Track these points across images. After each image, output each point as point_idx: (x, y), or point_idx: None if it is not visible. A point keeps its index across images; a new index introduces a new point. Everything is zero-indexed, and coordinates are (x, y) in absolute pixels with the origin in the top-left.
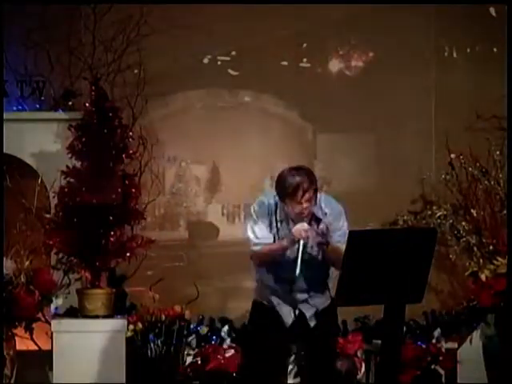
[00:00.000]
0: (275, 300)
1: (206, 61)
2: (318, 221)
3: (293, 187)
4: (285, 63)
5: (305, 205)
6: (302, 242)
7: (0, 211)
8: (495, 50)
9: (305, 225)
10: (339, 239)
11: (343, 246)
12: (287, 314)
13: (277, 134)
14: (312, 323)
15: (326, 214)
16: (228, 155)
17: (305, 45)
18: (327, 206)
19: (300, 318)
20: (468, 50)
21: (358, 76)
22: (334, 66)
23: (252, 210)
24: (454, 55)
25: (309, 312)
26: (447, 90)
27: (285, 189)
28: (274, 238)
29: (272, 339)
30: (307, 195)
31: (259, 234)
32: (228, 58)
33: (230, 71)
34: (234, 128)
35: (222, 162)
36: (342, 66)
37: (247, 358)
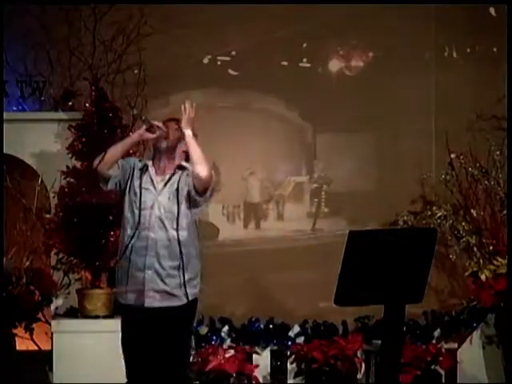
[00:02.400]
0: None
1: (205, 61)
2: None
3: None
4: (285, 63)
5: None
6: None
7: (0, 211)
8: (495, 49)
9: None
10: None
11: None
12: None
13: (277, 133)
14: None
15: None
16: (228, 155)
17: (305, 45)
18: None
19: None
20: (468, 50)
21: (358, 76)
22: (334, 65)
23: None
24: (454, 55)
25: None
26: (447, 90)
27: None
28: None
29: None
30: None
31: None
32: (228, 58)
33: (230, 71)
34: (234, 128)
35: (222, 162)
36: (342, 65)
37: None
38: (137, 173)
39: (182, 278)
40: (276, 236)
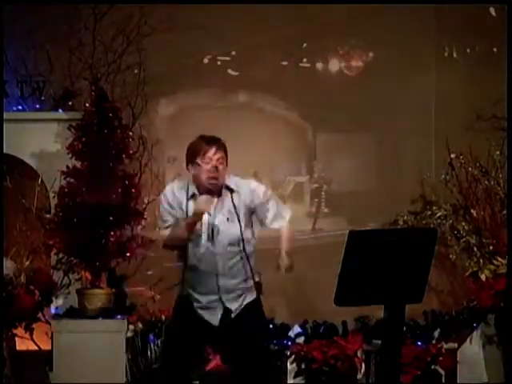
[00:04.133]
0: (197, 296)
1: (205, 61)
2: (231, 191)
3: (205, 145)
4: (285, 63)
5: (217, 165)
6: (206, 216)
7: (0, 211)
8: (495, 49)
9: (207, 196)
10: (273, 223)
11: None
12: (212, 314)
13: (277, 134)
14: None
15: (238, 186)
16: (228, 155)
17: (305, 45)
18: (238, 181)
19: (225, 314)
20: (468, 50)
21: (358, 76)
22: (334, 65)
23: (162, 193)
24: (454, 55)
25: (234, 306)
26: (447, 90)
27: (196, 148)
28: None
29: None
30: (219, 154)
31: (164, 216)
32: (228, 58)
33: (230, 71)
34: (234, 128)
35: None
36: (342, 65)
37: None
38: (185, 206)
39: None
40: (276, 236)
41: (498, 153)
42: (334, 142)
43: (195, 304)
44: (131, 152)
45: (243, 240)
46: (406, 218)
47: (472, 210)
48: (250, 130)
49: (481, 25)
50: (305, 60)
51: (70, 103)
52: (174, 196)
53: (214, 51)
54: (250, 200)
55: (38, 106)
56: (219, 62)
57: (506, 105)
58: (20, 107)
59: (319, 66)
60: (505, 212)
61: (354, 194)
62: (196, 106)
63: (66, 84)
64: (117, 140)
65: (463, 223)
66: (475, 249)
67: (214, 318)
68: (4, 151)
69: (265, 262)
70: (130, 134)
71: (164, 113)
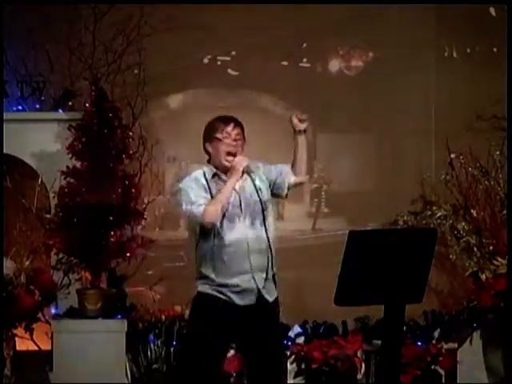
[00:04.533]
0: (227, 280)
1: (205, 61)
2: (248, 173)
3: (223, 121)
4: (285, 63)
5: (236, 140)
6: (245, 176)
7: (0, 211)
8: (495, 50)
9: (242, 157)
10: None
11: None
12: (247, 295)
13: (277, 133)
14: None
15: (257, 166)
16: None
17: (305, 45)
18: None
19: (260, 301)
20: (468, 50)
21: (358, 76)
22: (334, 65)
23: (180, 185)
24: (454, 55)
25: (270, 297)
26: (447, 90)
27: (214, 125)
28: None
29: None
30: (237, 130)
31: (194, 198)
32: (228, 58)
33: (230, 71)
34: None
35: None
36: (342, 65)
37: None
38: (208, 188)
39: None
40: (276, 236)
41: (497, 153)
42: (334, 142)
43: (223, 290)
44: (131, 152)
45: (265, 220)
46: (406, 218)
47: (472, 210)
48: (249, 129)
49: (481, 25)
50: (305, 60)
51: (70, 103)
52: (196, 181)
53: (214, 51)
54: (265, 177)
55: (38, 106)
56: (219, 62)
57: (506, 105)
58: (20, 107)
59: (319, 66)
60: (505, 212)
61: (354, 193)
62: (196, 106)
63: (66, 84)
64: (117, 140)
65: (463, 223)
66: (475, 249)
67: (249, 298)
68: (4, 151)
69: None
70: (130, 134)
71: (164, 113)
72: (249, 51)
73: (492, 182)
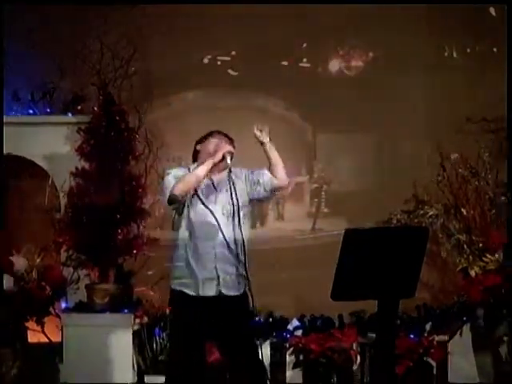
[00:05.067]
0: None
1: (205, 61)
2: (229, 170)
3: (216, 131)
4: (285, 63)
5: (227, 146)
6: (228, 159)
7: (0, 211)
8: (495, 49)
9: (227, 145)
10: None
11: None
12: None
13: (277, 134)
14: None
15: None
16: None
17: (305, 45)
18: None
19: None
20: (468, 50)
21: (358, 76)
22: (334, 65)
23: (167, 171)
24: (454, 55)
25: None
26: (447, 90)
27: (207, 133)
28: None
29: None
30: (228, 143)
31: (177, 174)
32: (228, 58)
33: (230, 71)
34: (234, 128)
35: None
36: (342, 65)
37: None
38: None
39: None
40: (276, 236)
41: (487, 154)
42: (333, 142)
43: (187, 282)
44: (137, 154)
45: (239, 214)
46: (399, 216)
47: (462, 209)
48: (249, 130)
49: (481, 25)
50: (305, 60)
51: (79, 107)
52: (183, 170)
53: (214, 51)
54: (245, 177)
55: (48, 110)
56: (219, 62)
57: (506, 105)
58: (31, 111)
59: (319, 66)
60: (494, 211)
61: (354, 193)
62: (196, 106)
63: (75, 89)
64: (123, 142)
65: (454, 222)
66: (465, 246)
67: (211, 289)
68: (16, 153)
69: (265, 261)
70: (136, 136)
71: (166, 114)
72: (249, 51)
73: (481, 183)
